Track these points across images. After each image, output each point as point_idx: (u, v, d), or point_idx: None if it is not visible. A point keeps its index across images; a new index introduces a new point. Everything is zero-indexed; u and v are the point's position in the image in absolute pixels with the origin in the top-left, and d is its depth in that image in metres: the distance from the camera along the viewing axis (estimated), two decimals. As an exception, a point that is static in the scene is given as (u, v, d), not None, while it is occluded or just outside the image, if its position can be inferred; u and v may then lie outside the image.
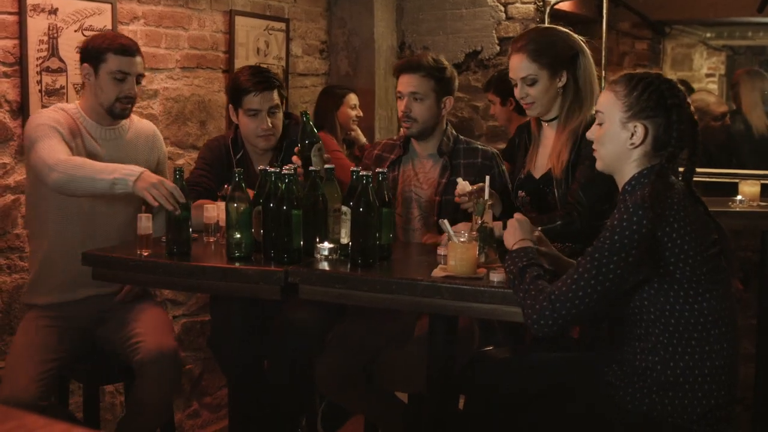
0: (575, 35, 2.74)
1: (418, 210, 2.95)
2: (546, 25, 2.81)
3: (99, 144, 2.87)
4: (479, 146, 3.00)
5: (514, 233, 2.22)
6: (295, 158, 2.73)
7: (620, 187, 2.16)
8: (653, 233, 1.99)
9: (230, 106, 3.12)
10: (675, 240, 2.01)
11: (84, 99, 2.88)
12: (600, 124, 2.17)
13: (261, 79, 3.03)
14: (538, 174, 2.76)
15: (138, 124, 3.01)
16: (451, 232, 2.34)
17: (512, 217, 2.30)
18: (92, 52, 2.81)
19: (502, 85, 4.14)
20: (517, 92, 2.73)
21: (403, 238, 2.98)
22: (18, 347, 2.76)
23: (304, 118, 2.76)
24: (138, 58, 2.84)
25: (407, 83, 2.89)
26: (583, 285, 2.00)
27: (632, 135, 2.09)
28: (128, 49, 2.81)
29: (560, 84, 2.68)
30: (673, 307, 2.05)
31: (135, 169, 2.57)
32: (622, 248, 1.98)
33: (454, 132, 3.02)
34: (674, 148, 2.09)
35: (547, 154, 2.76)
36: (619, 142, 2.12)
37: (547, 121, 2.76)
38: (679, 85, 2.14)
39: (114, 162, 2.76)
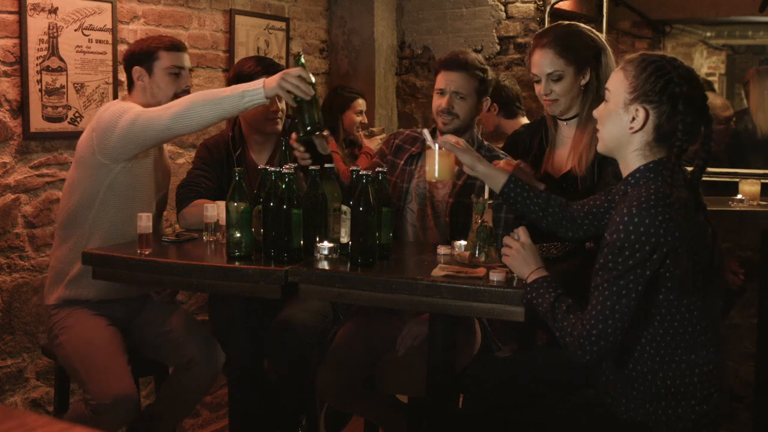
0: (598, 33, 2.69)
1: (431, 208, 2.88)
2: (569, 21, 2.74)
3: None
4: (501, 155, 2.83)
5: (526, 262, 2.13)
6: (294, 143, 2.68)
7: (623, 173, 2.08)
8: (662, 240, 1.92)
9: None
10: (674, 249, 1.94)
11: (134, 101, 2.86)
12: (606, 102, 2.09)
13: (268, 63, 3.09)
14: (557, 173, 2.71)
15: None
16: (430, 139, 2.39)
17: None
18: (142, 54, 2.85)
19: None
20: (539, 89, 2.66)
21: (421, 236, 2.89)
22: (92, 343, 2.71)
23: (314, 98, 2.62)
24: (186, 54, 2.91)
25: (452, 80, 2.83)
26: (609, 313, 1.94)
27: (633, 119, 2.01)
28: (178, 45, 2.90)
29: (584, 81, 2.63)
30: (663, 317, 2.00)
31: (255, 82, 2.60)
32: (636, 264, 1.92)
33: (480, 136, 2.93)
34: (681, 143, 1.99)
35: (566, 154, 2.71)
36: (620, 124, 2.04)
37: (566, 120, 2.70)
38: (696, 76, 2.03)
39: (158, 161, 2.91)
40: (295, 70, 2.54)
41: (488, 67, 2.92)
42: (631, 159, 2.05)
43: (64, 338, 2.76)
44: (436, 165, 2.43)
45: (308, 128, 2.57)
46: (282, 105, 3.03)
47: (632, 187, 2.03)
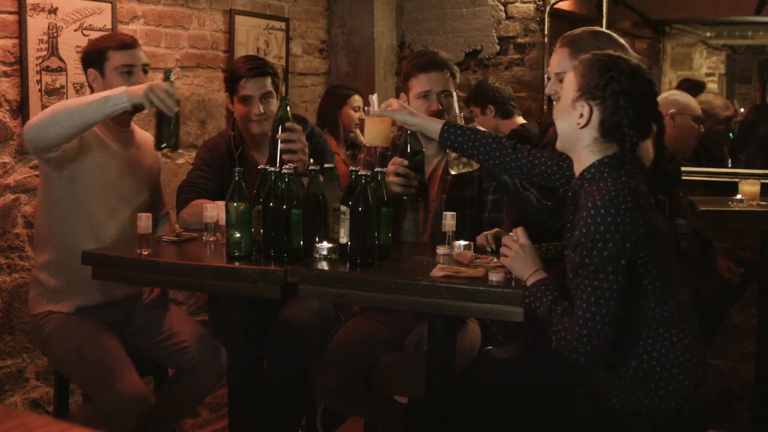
0: (629, 53, 2.51)
1: (423, 212, 2.89)
2: (605, 30, 2.70)
3: (120, 146, 2.88)
4: None
5: (525, 263, 2.15)
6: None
7: (577, 170, 2.14)
8: (629, 228, 1.96)
9: (227, 95, 3.15)
10: (643, 236, 1.99)
11: None
12: (560, 101, 2.18)
13: (254, 65, 3.09)
14: None
15: (141, 133, 3.03)
16: (374, 104, 2.52)
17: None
18: (93, 55, 2.81)
19: (478, 96, 4.23)
20: (548, 87, 2.64)
21: (421, 240, 2.90)
22: (93, 350, 2.70)
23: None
24: (138, 50, 2.86)
25: (435, 81, 2.82)
26: (595, 309, 1.97)
27: (581, 115, 2.08)
28: (127, 43, 2.83)
29: None
30: (641, 303, 2.04)
31: (118, 89, 2.59)
32: (611, 255, 1.95)
33: None
34: (630, 137, 2.06)
35: None
36: (570, 121, 2.11)
37: None
38: (642, 73, 2.09)
39: (132, 165, 2.87)
40: (164, 85, 2.57)
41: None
42: (584, 155, 2.12)
43: (61, 350, 2.75)
44: (372, 130, 2.57)
45: (163, 144, 2.64)
46: (263, 108, 3.04)
47: (589, 182, 2.09)
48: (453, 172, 2.68)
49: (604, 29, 2.70)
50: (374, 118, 2.56)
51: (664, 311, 2.06)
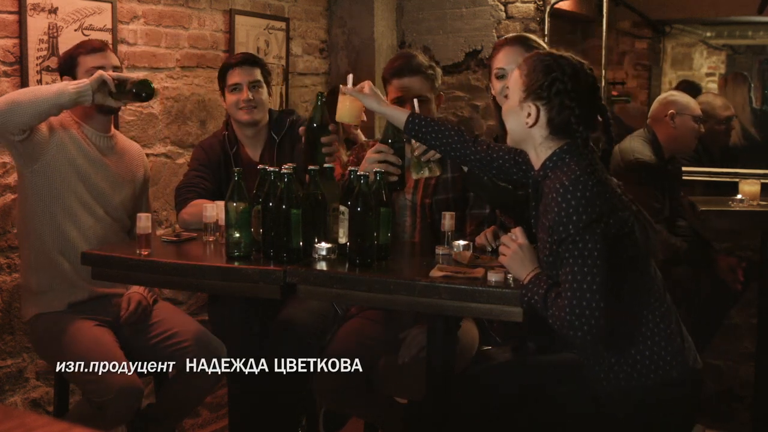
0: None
1: (411, 217, 2.89)
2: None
3: (98, 151, 2.91)
4: None
5: (523, 263, 2.16)
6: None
7: (535, 164, 2.18)
8: (598, 202, 2.01)
9: (220, 93, 3.18)
10: (611, 211, 2.03)
11: (75, 111, 2.88)
12: (507, 99, 2.23)
13: (242, 55, 3.18)
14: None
15: (125, 140, 3.07)
16: (350, 85, 2.59)
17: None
18: (66, 64, 2.87)
19: None
20: (502, 84, 2.64)
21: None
22: (84, 343, 2.72)
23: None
24: (108, 53, 2.89)
25: (409, 86, 2.81)
26: (581, 279, 1.99)
27: (528, 115, 2.13)
28: (96, 47, 2.88)
29: None
30: (618, 280, 2.07)
31: (79, 80, 2.70)
32: (586, 225, 1.99)
33: None
34: (580, 132, 2.12)
35: None
36: (519, 120, 2.17)
37: None
38: (584, 71, 2.13)
39: (109, 171, 2.89)
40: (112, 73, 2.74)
41: (433, 64, 2.92)
42: (540, 150, 2.17)
43: (54, 347, 2.76)
44: (342, 107, 2.63)
45: (143, 94, 2.71)
46: (249, 95, 3.07)
47: (552, 170, 2.13)
48: (414, 177, 2.68)
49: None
50: (347, 97, 2.60)
51: (642, 280, 2.11)
